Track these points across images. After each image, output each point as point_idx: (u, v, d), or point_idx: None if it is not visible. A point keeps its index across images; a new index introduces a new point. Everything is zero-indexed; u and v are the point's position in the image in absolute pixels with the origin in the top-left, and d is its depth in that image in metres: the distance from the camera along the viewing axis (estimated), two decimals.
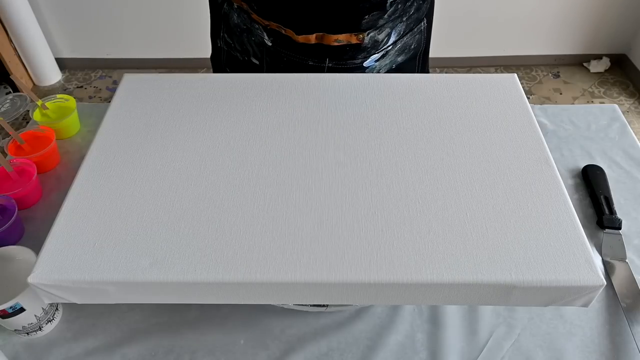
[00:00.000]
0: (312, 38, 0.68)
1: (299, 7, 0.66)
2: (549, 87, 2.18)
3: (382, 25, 0.69)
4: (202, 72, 0.68)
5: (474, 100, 0.58)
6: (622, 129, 0.79)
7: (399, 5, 0.67)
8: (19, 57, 2.15)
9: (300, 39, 0.68)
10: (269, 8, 0.68)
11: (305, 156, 0.52)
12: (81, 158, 0.52)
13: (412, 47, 0.75)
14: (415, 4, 0.70)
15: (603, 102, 2.07)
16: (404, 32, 0.72)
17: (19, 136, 0.73)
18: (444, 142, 0.53)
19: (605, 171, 0.71)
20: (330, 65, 0.71)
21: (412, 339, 0.55)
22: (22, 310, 0.52)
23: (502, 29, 2.14)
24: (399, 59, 0.75)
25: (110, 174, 0.50)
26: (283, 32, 0.69)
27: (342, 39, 0.68)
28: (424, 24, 0.75)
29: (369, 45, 0.70)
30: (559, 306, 0.47)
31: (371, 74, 0.64)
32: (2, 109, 0.79)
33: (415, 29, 0.74)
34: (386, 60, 0.74)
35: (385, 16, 0.67)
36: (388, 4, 0.66)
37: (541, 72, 2.25)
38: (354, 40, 0.68)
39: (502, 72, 2.25)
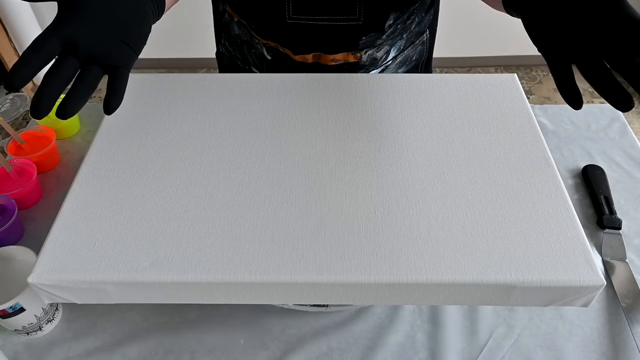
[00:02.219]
0: (309, 57, 0.68)
1: (295, 30, 0.65)
2: (549, 87, 2.18)
3: (381, 44, 0.68)
4: (202, 72, 0.68)
5: (474, 100, 0.58)
6: (622, 129, 0.79)
7: (399, 26, 0.67)
8: (19, 57, 2.15)
9: (298, 58, 0.68)
10: (266, 29, 0.68)
11: (306, 156, 0.52)
12: (81, 158, 0.52)
13: (414, 58, 0.74)
14: (416, 19, 0.69)
15: (603, 102, 2.06)
16: (404, 47, 0.71)
17: (19, 136, 0.73)
18: (444, 142, 0.53)
19: (606, 171, 0.71)
20: None
21: (412, 339, 0.55)
22: (22, 310, 0.52)
23: (502, 29, 2.14)
24: (400, 70, 0.74)
25: (110, 174, 0.50)
26: (281, 50, 0.69)
27: (339, 58, 0.68)
28: (426, 35, 0.74)
29: (367, 63, 0.69)
30: (559, 306, 0.47)
31: (371, 74, 0.64)
32: (2, 109, 0.79)
33: (417, 41, 0.73)
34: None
35: (384, 37, 0.67)
36: (386, 26, 0.65)
37: (541, 72, 2.25)
38: (351, 58, 0.68)
39: (502, 72, 2.25)
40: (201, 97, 0.59)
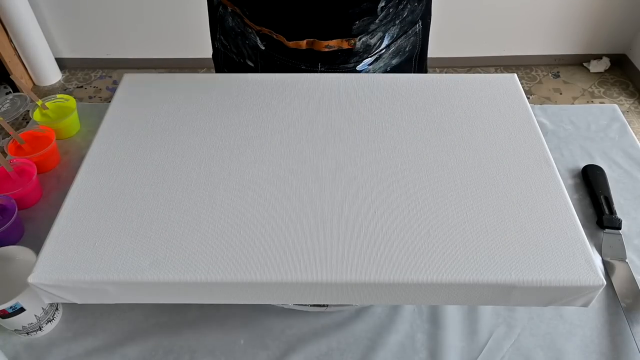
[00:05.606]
0: (303, 44, 0.68)
1: (289, 14, 0.65)
2: (548, 87, 2.18)
3: (374, 30, 0.68)
4: (202, 72, 0.68)
5: (474, 100, 0.58)
6: (622, 129, 0.79)
7: (391, 10, 0.67)
8: (19, 57, 2.15)
9: (291, 44, 0.68)
10: (260, 14, 0.68)
11: (305, 156, 0.52)
12: (81, 158, 0.52)
13: (407, 49, 0.75)
14: (409, 7, 0.69)
15: (603, 102, 2.07)
16: (397, 35, 0.72)
17: (19, 136, 0.73)
18: (444, 142, 0.53)
19: (605, 171, 0.71)
20: (322, 69, 0.71)
21: (412, 339, 0.55)
22: (22, 310, 0.52)
23: (502, 29, 2.15)
24: (394, 61, 0.75)
25: (110, 174, 0.50)
26: (275, 37, 0.69)
27: (333, 44, 0.68)
28: (419, 26, 0.74)
29: (361, 50, 0.70)
30: (559, 306, 0.47)
31: (371, 74, 0.64)
32: (2, 109, 0.79)
33: (410, 32, 0.73)
34: (380, 64, 0.73)
35: (377, 21, 0.67)
36: (379, 9, 0.65)
37: (541, 72, 2.26)
38: (345, 45, 0.68)
39: (502, 72, 2.25)
40: (201, 97, 0.59)
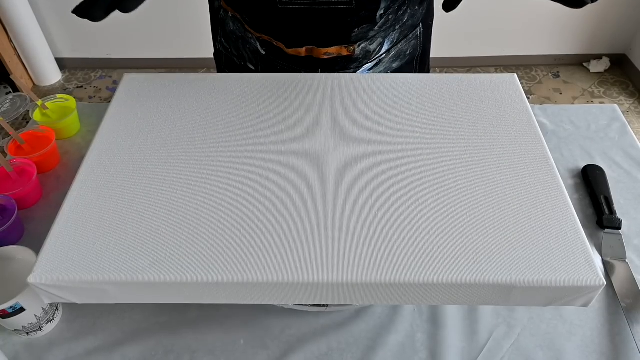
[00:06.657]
0: (302, 51, 0.68)
1: (287, 23, 0.65)
2: (549, 87, 2.18)
3: (374, 36, 0.68)
4: (202, 72, 0.68)
5: (474, 100, 0.58)
6: (622, 129, 0.79)
7: (390, 16, 0.66)
8: (19, 57, 2.16)
9: (291, 51, 0.68)
10: (259, 22, 0.68)
11: (305, 156, 0.52)
12: (81, 158, 0.52)
13: (408, 52, 0.74)
14: (409, 11, 0.69)
15: (603, 102, 2.07)
16: (397, 40, 0.71)
17: (19, 136, 0.73)
18: (444, 142, 0.53)
19: (605, 171, 0.71)
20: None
21: (412, 339, 0.55)
22: (22, 310, 0.52)
23: (502, 29, 2.15)
24: (394, 65, 0.74)
25: (110, 174, 0.50)
26: (274, 43, 0.69)
27: (332, 51, 0.68)
28: (419, 29, 0.74)
29: (360, 56, 0.69)
30: (559, 306, 0.47)
31: (371, 74, 0.64)
32: (2, 109, 0.79)
33: (411, 35, 0.73)
34: (380, 68, 0.73)
35: (376, 28, 0.66)
36: (378, 17, 0.65)
37: (541, 72, 2.26)
38: (344, 52, 0.68)
39: (502, 72, 2.25)
40: (201, 97, 0.59)
